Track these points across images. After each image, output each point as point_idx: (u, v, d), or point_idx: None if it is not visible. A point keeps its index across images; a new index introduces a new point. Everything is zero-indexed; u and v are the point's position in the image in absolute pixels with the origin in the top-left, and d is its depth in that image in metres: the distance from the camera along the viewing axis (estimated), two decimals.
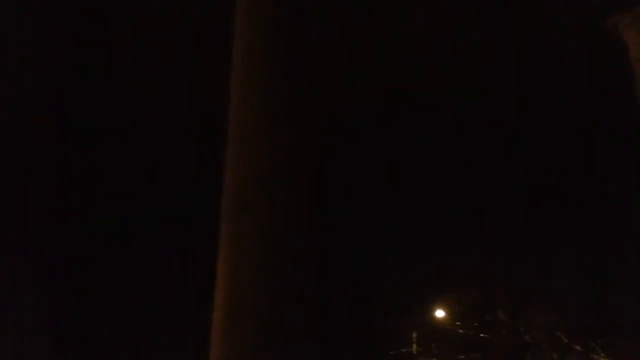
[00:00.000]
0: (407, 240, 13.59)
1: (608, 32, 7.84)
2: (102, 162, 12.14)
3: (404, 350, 14.18)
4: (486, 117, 11.31)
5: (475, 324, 14.10)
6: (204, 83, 9.64)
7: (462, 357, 14.04)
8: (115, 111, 11.20)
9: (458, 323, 14.30)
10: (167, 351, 12.12)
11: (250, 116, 5.36)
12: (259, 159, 5.15)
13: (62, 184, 11.70)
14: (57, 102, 10.60)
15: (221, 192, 5.24)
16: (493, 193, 13.09)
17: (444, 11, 8.90)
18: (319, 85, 5.58)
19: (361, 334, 13.35)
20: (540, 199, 12.84)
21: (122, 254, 12.27)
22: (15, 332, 11.17)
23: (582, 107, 10.31)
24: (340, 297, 12.50)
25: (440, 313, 14.64)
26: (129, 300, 12.26)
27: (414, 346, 14.34)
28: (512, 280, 13.50)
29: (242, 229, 4.93)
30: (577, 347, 12.79)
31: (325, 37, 5.76)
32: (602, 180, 11.27)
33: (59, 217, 11.83)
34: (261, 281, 4.76)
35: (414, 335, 14.43)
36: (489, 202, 13.19)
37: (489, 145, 12.42)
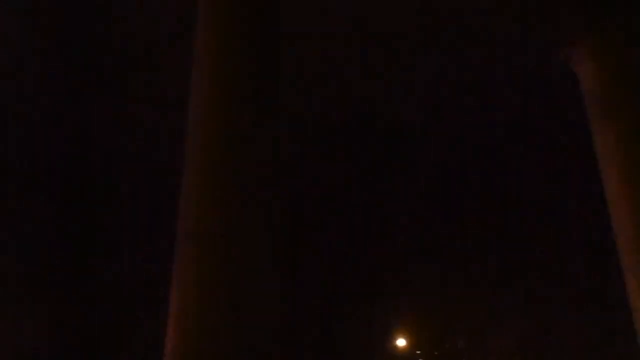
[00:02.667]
0: (368, 269, 13.54)
1: (560, 65, 7.94)
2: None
3: None
4: (441, 152, 11.41)
5: (436, 353, 14.15)
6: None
7: None
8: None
9: (418, 352, 14.33)
10: None
11: (212, 149, 5.29)
12: (220, 188, 5.10)
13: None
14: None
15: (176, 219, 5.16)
16: (453, 222, 13.13)
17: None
18: (278, 119, 5.54)
19: None
20: (497, 228, 12.91)
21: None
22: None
23: (535, 138, 10.42)
24: (302, 325, 12.39)
25: (401, 342, 14.61)
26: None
27: None
28: (471, 307, 13.53)
29: (198, 255, 4.87)
30: None
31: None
32: (558, 208, 11.39)
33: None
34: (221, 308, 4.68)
35: None
36: (449, 231, 13.23)
37: (446, 175, 12.48)
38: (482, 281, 12.95)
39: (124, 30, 9.19)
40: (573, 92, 7.83)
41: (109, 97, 10.46)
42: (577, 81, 7.85)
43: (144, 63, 9.52)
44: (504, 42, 8.33)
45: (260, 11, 5.79)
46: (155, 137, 10.77)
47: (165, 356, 4.68)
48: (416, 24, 8.78)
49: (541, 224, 11.79)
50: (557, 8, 7.60)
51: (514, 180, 11.78)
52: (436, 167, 12.21)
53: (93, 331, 12.15)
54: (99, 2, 9.21)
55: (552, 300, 12.06)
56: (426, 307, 13.50)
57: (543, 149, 10.58)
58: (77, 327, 11.95)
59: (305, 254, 12.13)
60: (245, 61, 5.52)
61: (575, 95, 7.82)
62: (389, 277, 13.29)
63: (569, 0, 7.56)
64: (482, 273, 12.90)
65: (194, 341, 4.57)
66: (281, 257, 5.24)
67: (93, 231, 12.31)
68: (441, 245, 13.11)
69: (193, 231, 4.91)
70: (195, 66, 5.67)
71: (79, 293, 11.99)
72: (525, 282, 12.38)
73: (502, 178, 11.82)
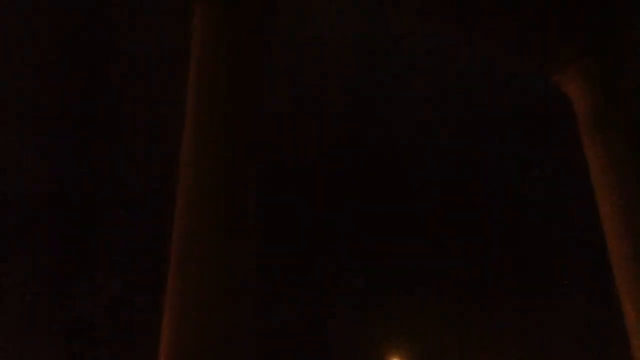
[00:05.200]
0: (360, 287, 13.53)
1: (552, 87, 8.00)
2: None
3: None
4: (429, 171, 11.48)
5: None
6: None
7: None
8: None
9: None
10: None
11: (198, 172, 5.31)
12: (204, 214, 5.11)
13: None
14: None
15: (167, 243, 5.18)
16: (446, 239, 13.16)
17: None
18: (259, 141, 5.57)
19: None
20: (490, 245, 12.95)
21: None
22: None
23: (527, 162, 10.50)
24: (290, 344, 12.35)
25: None
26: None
27: None
28: (464, 326, 13.53)
29: (188, 279, 4.88)
30: None
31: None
32: (554, 229, 11.44)
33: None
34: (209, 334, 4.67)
35: None
36: (442, 247, 13.25)
37: (437, 190, 12.51)
38: (479, 300, 12.97)
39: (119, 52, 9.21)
40: (565, 113, 7.89)
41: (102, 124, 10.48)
42: (569, 102, 7.92)
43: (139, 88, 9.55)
44: (496, 66, 8.40)
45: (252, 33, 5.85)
46: (148, 162, 10.78)
47: None
48: (404, 46, 8.84)
49: (538, 245, 11.83)
50: (549, 30, 7.67)
51: (509, 199, 11.84)
52: (429, 186, 12.25)
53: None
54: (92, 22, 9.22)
55: (548, 324, 12.07)
56: (420, 326, 13.49)
57: (537, 165, 10.65)
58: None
59: (295, 276, 12.12)
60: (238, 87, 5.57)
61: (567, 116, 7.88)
62: (382, 295, 13.28)
63: (561, 22, 7.63)
64: (478, 293, 12.92)
65: None
66: (270, 279, 5.26)
67: (80, 257, 12.25)
68: (436, 264, 13.13)
69: (185, 256, 4.94)
70: (190, 91, 5.70)
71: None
72: (521, 303, 12.40)
73: (498, 197, 11.88)
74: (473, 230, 12.83)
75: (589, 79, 7.80)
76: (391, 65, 9.43)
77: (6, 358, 11.16)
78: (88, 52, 9.51)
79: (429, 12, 7.28)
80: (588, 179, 7.39)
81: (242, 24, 5.88)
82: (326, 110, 10.47)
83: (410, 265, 13.32)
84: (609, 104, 7.63)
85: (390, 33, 8.67)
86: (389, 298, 13.37)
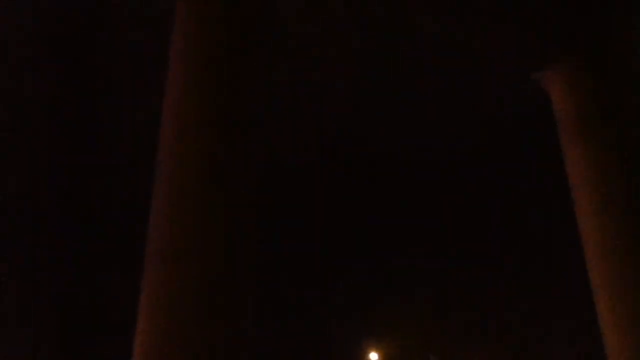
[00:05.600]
0: (341, 282, 13.55)
1: (532, 86, 8.01)
2: None
3: None
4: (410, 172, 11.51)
5: None
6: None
7: None
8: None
9: None
10: None
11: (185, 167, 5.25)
12: (195, 209, 5.04)
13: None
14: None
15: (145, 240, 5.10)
16: (429, 235, 13.18)
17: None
18: (253, 136, 5.50)
19: None
20: (474, 242, 12.98)
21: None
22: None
23: (507, 162, 10.52)
24: (274, 338, 12.35)
25: (374, 356, 14.58)
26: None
27: None
28: (445, 323, 13.57)
29: (172, 275, 4.81)
30: None
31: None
32: (531, 228, 11.46)
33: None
34: (193, 327, 4.62)
35: None
36: (424, 243, 13.27)
37: (420, 191, 12.53)
38: (461, 301, 13.01)
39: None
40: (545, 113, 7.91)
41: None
42: (550, 101, 7.94)
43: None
44: (477, 65, 8.40)
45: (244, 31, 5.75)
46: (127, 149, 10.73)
47: None
48: (388, 46, 8.82)
49: (520, 248, 11.87)
50: (531, 31, 7.68)
51: (492, 201, 11.86)
52: (413, 188, 12.27)
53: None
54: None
55: (530, 328, 12.11)
56: (400, 322, 13.52)
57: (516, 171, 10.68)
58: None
59: (279, 269, 12.11)
60: (223, 76, 5.49)
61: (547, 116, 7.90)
62: (363, 291, 13.31)
63: (543, 22, 7.64)
64: (461, 293, 12.96)
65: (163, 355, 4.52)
66: (255, 271, 5.20)
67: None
68: (419, 263, 13.16)
69: (164, 248, 4.85)
70: (170, 80, 5.63)
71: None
72: (504, 307, 12.43)
73: (482, 199, 11.91)
74: (462, 230, 12.87)
75: (572, 79, 7.82)
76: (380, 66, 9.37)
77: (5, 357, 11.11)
78: (84, 49, 9.44)
79: (413, 6, 7.27)
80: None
81: (234, 19, 5.75)
82: (318, 110, 10.43)
83: (399, 263, 13.36)
84: (591, 104, 7.65)
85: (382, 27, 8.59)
86: (371, 294, 13.40)
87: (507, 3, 7.42)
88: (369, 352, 14.60)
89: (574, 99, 7.75)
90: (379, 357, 14.58)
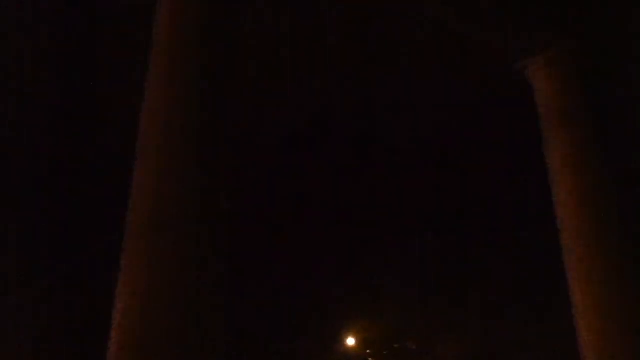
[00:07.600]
0: (318, 267, 13.56)
1: (516, 75, 8.02)
2: None
3: None
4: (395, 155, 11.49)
5: (385, 352, 14.30)
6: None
7: None
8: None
9: (368, 351, 14.46)
10: None
11: (164, 136, 5.22)
12: (175, 178, 5.03)
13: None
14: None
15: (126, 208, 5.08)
16: (411, 222, 13.21)
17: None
18: (233, 110, 5.48)
19: None
20: (454, 227, 13.04)
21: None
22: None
23: (488, 149, 10.54)
24: (251, 321, 12.36)
25: (351, 341, 14.69)
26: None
27: None
28: (423, 310, 13.66)
29: (153, 245, 4.81)
30: None
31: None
32: (515, 219, 11.51)
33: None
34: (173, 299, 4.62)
35: None
36: (403, 228, 13.30)
37: (401, 174, 12.51)
38: (440, 288, 13.09)
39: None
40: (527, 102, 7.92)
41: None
42: (532, 91, 7.95)
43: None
44: (460, 52, 8.39)
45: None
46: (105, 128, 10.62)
47: (110, 350, 4.61)
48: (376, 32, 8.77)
49: (500, 236, 11.91)
50: (514, 19, 7.67)
51: (472, 189, 11.89)
52: (392, 174, 12.25)
53: None
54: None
55: (507, 314, 12.19)
56: (378, 308, 13.59)
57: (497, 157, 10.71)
58: None
59: (256, 255, 12.08)
60: (205, 58, 5.45)
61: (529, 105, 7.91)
62: (341, 277, 13.33)
63: (527, 12, 7.64)
64: (440, 280, 13.04)
65: (139, 338, 4.51)
66: (231, 254, 5.18)
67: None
68: (398, 251, 13.20)
69: (144, 224, 4.84)
70: (153, 62, 5.58)
71: None
72: (481, 293, 12.50)
73: (461, 187, 11.93)
74: (442, 215, 12.90)
75: (557, 69, 7.83)
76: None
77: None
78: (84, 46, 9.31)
79: None
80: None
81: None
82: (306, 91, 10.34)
83: (377, 248, 13.37)
84: (575, 96, 7.68)
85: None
86: (349, 279, 13.43)
87: None
88: (347, 337, 14.69)
89: (559, 88, 7.78)
90: (356, 342, 14.68)
